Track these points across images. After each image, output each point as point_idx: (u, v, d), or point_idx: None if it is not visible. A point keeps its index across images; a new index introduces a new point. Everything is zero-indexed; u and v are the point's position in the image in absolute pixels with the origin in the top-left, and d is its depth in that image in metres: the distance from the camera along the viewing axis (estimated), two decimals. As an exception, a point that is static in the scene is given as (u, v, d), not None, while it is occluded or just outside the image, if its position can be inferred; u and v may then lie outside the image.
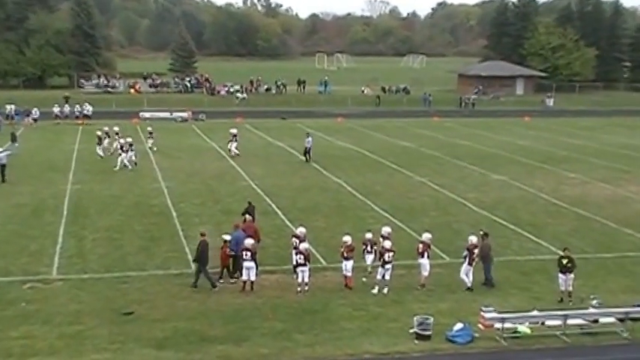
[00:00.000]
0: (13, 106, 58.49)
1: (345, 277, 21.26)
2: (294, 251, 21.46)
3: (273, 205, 30.96)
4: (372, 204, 31.56)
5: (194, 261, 21.48)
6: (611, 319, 18.80)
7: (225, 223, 24.72)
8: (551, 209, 31.46)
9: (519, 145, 50.09)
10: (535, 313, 18.67)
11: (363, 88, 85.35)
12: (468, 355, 17.32)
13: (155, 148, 44.04)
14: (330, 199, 32.44)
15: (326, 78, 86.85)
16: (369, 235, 22.21)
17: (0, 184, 34.43)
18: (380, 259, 20.95)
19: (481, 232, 22.28)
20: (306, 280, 20.77)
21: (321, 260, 23.58)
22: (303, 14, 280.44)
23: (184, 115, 62.02)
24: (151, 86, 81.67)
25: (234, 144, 43.04)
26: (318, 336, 17.92)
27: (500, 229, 27.78)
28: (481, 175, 38.97)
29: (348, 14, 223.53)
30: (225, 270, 21.70)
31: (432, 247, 22.05)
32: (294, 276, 21.18)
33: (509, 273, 22.86)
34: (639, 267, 23.91)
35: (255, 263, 20.88)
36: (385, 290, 20.83)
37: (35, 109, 57.53)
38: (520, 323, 18.39)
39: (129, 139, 39.34)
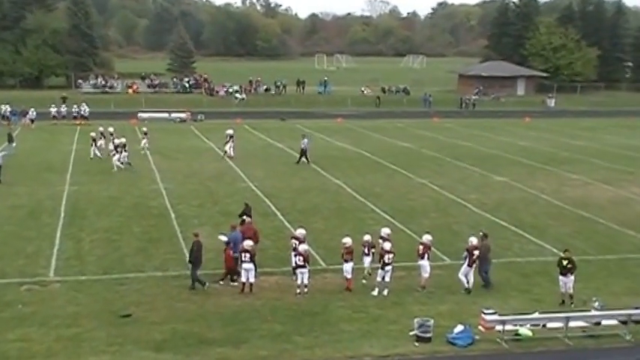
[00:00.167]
0: (8, 107, 57.99)
1: (346, 279, 21.14)
2: (293, 253, 21.31)
3: (273, 207, 30.81)
4: (371, 205, 31.41)
5: (189, 262, 21.32)
6: (614, 322, 18.67)
7: (224, 225, 24.57)
8: (552, 211, 31.32)
9: (520, 146, 49.96)
10: (536, 315, 18.53)
11: (362, 89, 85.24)
12: (469, 357, 17.18)
13: (148, 150, 43.57)
14: (329, 201, 32.29)
15: (325, 78, 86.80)
16: (366, 237, 22.06)
17: (-3, 185, 34.26)
18: (380, 261, 20.80)
19: (480, 233, 22.14)
20: (306, 281, 20.64)
21: (321, 262, 23.44)
22: (303, 14, 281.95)
23: (182, 115, 61.83)
24: (149, 86, 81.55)
25: (229, 144, 42.64)
26: (317, 338, 17.80)
27: (501, 231, 27.64)
28: (482, 176, 38.84)
29: (348, 14, 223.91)
30: (228, 272, 21.57)
31: (432, 248, 21.93)
32: (294, 278, 21.05)
33: (510, 275, 22.75)
34: (642, 269, 23.76)
35: (254, 265, 20.73)
36: (385, 292, 20.71)
37: (32, 109, 57.15)
38: (521, 325, 18.26)
39: (122, 140, 39.04)
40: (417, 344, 17.50)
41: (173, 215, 29.17)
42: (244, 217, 24.33)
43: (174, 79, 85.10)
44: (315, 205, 31.46)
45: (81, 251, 24.35)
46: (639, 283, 22.28)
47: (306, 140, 41.61)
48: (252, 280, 20.66)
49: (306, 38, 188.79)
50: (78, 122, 56.95)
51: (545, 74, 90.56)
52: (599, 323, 18.64)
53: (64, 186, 34.20)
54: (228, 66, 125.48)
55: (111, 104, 70.12)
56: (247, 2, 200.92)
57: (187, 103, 69.69)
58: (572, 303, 20.07)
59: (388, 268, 20.68)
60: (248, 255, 20.53)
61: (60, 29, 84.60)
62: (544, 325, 18.41)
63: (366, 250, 21.78)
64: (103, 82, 79.99)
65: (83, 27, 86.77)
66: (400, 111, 72.97)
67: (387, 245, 20.93)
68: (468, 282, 21.14)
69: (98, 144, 41.80)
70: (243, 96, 76.29)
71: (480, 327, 18.05)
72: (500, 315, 18.11)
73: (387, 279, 20.76)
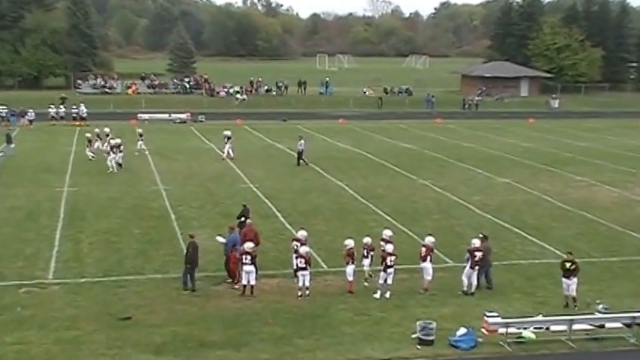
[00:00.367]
0: (4, 108, 57.54)
1: (348, 281, 21.00)
2: (294, 255, 21.20)
3: (273, 208, 30.66)
4: (373, 207, 31.25)
5: (185, 263, 21.13)
6: (618, 325, 18.52)
7: (225, 227, 24.33)
8: (556, 212, 31.15)
9: (524, 147, 49.76)
10: (540, 317, 18.44)
11: (364, 89, 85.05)
12: (472, 361, 17.06)
13: (143, 150, 43.36)
14: (331, 202, 32.12)
15: (327, 79, 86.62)
16: (366, 240, 21.88)
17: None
18: (382, 263, 20.65)
19: (480, 235, 21.97)
20: (307, 284, 20.50)
21: (322, 264, 23.29)
22: (304, 14, 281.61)
23: (183, 116, 61.64)
24: (149, 87, 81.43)
25: (227, 146, 42.43)
26: (319, 341, 17.68)
27: (505, 233, 27.51)
28: (485, 177, 38.66)
29: (350, 14, 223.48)
30: (230, 274, 21.43)
31: (434, 250, 21.82)
32: (295, 280, 20.91)
33: (513, 277, 22.61)
34: (646, 271, 23.60)
35: (255, 267, 20.58)
36: (387, 294, 20.57)
37: (31, 110, 56.84)
38: (525, 328, 18.12)
39: (117, 141, 38.80)
40: (419, 347, 17.39)
41: (173, 217, 29.02)
42: (242, 218, 24.19)
43: (175, 80, 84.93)
44: (317, 206, 31.31)
45: (80, 253, 24.20)
46: (644, 286, 22.14)
47: (302, 141, 41.39)
48: (252, 282, 20.51)
49: (308, 38, 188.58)
50: (77, 123, 56.60)
51: (549, 75, 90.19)
52: (603, 326, 18.47)
53: (63, 187, 34.05)
54: (229, 66, 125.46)
55: (110, 105, 69.89)
56: (248, 2, 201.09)
57: (188, 104, 69.57)
58: (575, 306, 19.96)
59: (390, 270, 20.53)
60: (249, 257, 20.38)
61: (59, 29, 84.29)
62: (547, 328, 18.28)
63: (365, 253, 21.63)
64: (103, 83, 79.86)
65: (82, 27, 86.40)
66: (402, 112, 72.78)
67: (390, 247, 20.77)
68: (470, 285, 21.00)
69: (95, 145, 41.60)
70: (244, 97, 76.09)
71: (483, 330, 17.90)
72: (503, 318, 17.98)
73: (389, 281, 20.60)
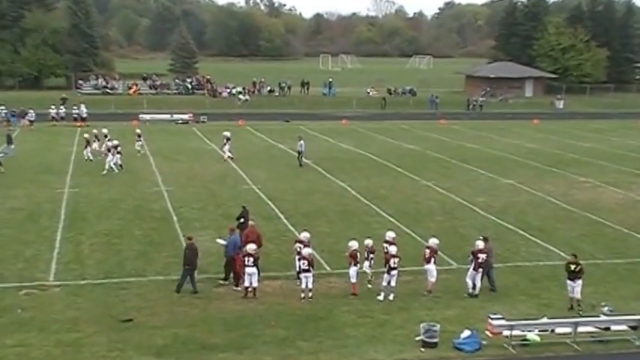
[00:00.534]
0: (4, 108, 57.39)
1: (351, 283, 20.87)
2: (297, 257, 21.15)
3: (276, 210, 30.53)
4: (376, 208, 31.11)
5: (184, 265, 20.98)
6: (623, 327, 18.42)
7: (227, 228, 24.25)
8: (560, 214, 31.00)
9: (528, 148, 49.60)
10: (545, 320, 18.34)
11: (368, 90, 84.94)
12: (476, 363, 16.97)
13: (143, 152, 43.24)
14: (334, 204, 31.98)
15: (330, 79, 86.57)
16: (367, 242, 21.76)
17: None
18: (385, 265, 20.52)
19: (481, 237, 21.81)
20: (310, 286, 20.38)
21: (326, 266, 23.18)
22: (307, 14, 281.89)
23: (184, 117, 61.49)
24: (151, 87, 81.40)
25: (227, 147, 42.28)
26: (322, 343, 17.58)
27: (509, 234, 27.39)
28: (489, 178, 38.50)
29: (353, 14, 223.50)
30: (232, 275, 21.32)
31: (438, 252, 21.68)
32: (298, 282, 20.84)
33: (518, 279, 22.49)
34: (651, 273, 23.44)
35: (258, 269, 20.47)
36: (391, 297, 20.45)
37: (31, 110, 56.65)
38: (529, 331, 18.03)
39: (115, 142, 38.63)
40: (423, 350, 17.30)
41: (175, 218, 28.90)
42: (242, 220, 24.07)
43: (177, 80, 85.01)
44: (320, 207, 31.17)
45: (81, 255, 24.09)
46: (649, 288, 21.98)
47: (302, 142, 41.25)
48: (255, 284, 20.39)
49: (311, 38, 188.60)
50: (78, 124, 56.38)
51: (553, 75, 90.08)
52: (608, 328, 18.39)
53: (64, 188, 33.92)
54: (231, 66, 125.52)
55: (111, 105, 69.72)
56: (251, 2, 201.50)
57: (190, 105, 69.48)
58: (580, 308, 19.82)
59: (394, 272, 20.41)
60: (251, 259, 20.26)
61: (60, 29, 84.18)
62: (552, 331, 18.20)
63: (366, 255, 21.49)
64: (104, 83, 79.83)
65: (83, 26, 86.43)
66: (406, 112, 72.60)
67: (393, 249, 20.67)
68: (474, 287, 20.88)
69: (93, 146, 41.48)
70: (247, 97, 75.98)
71: (488, 332, 17.80)
72: (507, 320, 17.88)
73: (392, 283, 20.48)
